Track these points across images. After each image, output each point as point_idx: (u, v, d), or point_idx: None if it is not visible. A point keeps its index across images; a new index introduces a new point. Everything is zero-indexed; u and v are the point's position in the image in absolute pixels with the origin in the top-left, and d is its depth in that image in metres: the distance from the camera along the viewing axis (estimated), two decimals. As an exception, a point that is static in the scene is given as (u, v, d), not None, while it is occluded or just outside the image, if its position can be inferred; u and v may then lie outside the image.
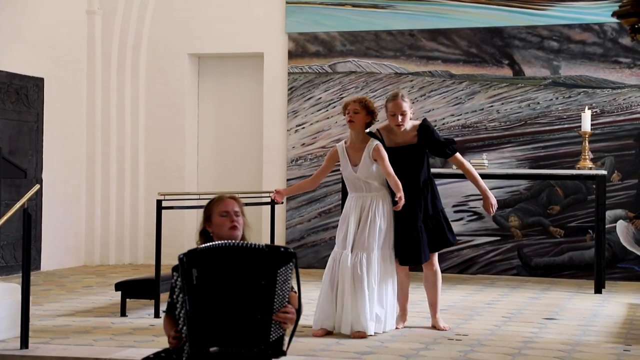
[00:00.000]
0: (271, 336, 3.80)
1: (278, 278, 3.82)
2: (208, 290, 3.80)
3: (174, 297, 3.96)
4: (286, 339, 3.86)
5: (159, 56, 11.12)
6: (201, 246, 3.89)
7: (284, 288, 3.83)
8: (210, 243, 3.92)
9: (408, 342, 5.92)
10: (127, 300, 7.02)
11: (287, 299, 3.84)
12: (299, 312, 3.89)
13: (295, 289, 3.92)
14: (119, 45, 11.03)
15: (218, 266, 3.82)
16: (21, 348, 5.54)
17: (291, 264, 3.84)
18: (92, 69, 10.92)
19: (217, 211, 4.14)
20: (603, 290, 8.65)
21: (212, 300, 3.80)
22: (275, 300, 3.81)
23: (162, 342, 5.01)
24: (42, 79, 10.19)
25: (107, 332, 6.26)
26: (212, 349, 3.79)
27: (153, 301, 6.87)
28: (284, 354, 3.89)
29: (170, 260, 4.11)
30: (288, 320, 3.83)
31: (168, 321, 4.08)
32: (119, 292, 7.03)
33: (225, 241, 3.93)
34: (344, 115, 6.37)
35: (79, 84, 10.84)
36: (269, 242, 8.56)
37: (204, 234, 4.17)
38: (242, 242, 3.95)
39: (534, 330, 6.46)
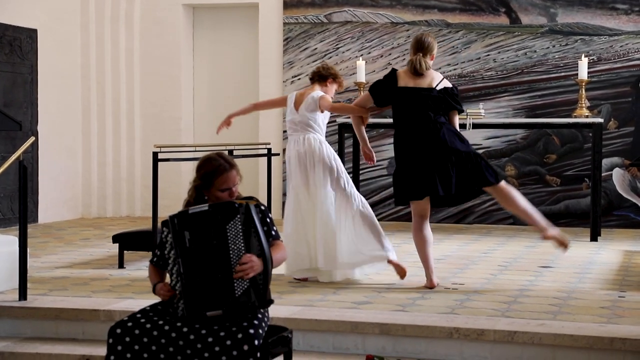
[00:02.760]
0: (236, 292, 3.79)
1: (228, 234, 3.80)
2: (196, 253, 3.83)
3: (166, 252, 3.97)
4: (252, 291, 3.81)
5: (153, 7, 11.02)
6: (191, 209, 3.87)
7: (237, 242, 3.80)
8: (198, 206, 3.88)
9: (404, 292, 5.96)
10: (125, 252, 7.05)
11: (242, 253, 3.80)
12: (265, 259, 3.83)
13: (270, 237, 3.94)
14: (113, -5, 10.94)
15: (202, 230, 3.82)
16: (19, 299, 5.57)
17: (238, 216, 3.80)
18: (85, 20, 10.83)
19: (218, 185, 3.98)
20: (599, 237, 8.70)
21: (199, 263, 3.82)
22: (232, 255, 3.80)
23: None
24: (35, 30, 10.10)
25: (105, 283, 6.29)
26: (209, 313, 3.82)
27: (150, 253, 6.89)
28: (270, 302, 3.90)
29: (167, 212, 4.12)
30: (249, 271, 3.79)
31: (154, 271, 4.11)
32: (117, 245, 7.06)
33: (198, 206, 3.88)
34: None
35: (73, 35, 10.75)
36: (265, 194, 8.60)
37: (199, 193, 4.05)
38: (195, 207, 3.88)
39: (529, 278, 6.50)
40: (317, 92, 6.50)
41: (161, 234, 4.02)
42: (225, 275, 3.80)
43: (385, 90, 6.12)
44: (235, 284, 3.80)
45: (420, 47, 6.09)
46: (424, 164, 5.96)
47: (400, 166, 6.08)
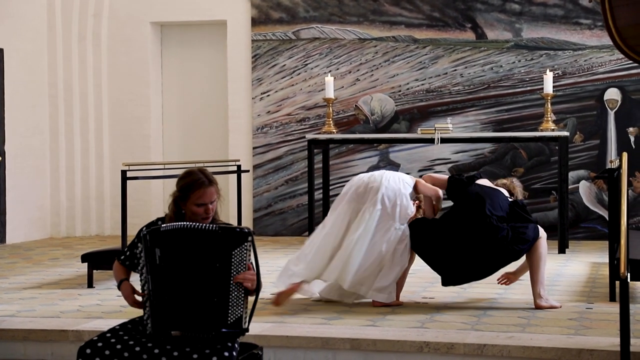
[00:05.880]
0: (229, 318, 3.78)
1: (233, 260, 3.78)
2: (170, 271, 3.79)
3: (140, 268, 3.94)
4: (245, 316, 3.82)
5: (121, 25, 11.01)
6: (163, 226, 3.85)
7: (239, 269, 3.79)
8: (172, 224, 3.86)
9: (374, 307, 5.97)
10: (94, 271, 7.01)
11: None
12: (258, 288, 3.86)
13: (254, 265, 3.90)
14: (80, 14, 10.90)
15: (179, 248, 3.80)
16: (-12, 322, 5.53)
17: (246, 244, 3.79)
18: (52, 39, 10.79)
19: (194, 199, 3.95)
20: (567, 250, 8.77)
21: (173, 282, 3.79)
22: (232, 282, 3.78)
23: (129, 313, 5.02)
24: (1, 50, 10.05)
25: (74, 303, 6.25)
26: (173, 333, 3.80)
27: (120, 272, 6.85)
28: (246, 330, 3.87)
29: (137, 230, 4.10)
30: (248, 281, 3.80)
31: (121, 269, 4.12)
32: (86, 264, 7.02)
33: (185, 223, 3.85)
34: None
35: (40, 54, 10.71)
36: (236, 211, 8.60)
37: (177, 207, 4.01)
38: (197, 224, 3.85)
39: (499, 291, 6.54)
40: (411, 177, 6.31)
41: (137, 240, 3.98)
42: (221, 300, 3.76)
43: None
44: (230, 310, 3.77)
45: None
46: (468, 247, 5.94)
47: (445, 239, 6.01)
